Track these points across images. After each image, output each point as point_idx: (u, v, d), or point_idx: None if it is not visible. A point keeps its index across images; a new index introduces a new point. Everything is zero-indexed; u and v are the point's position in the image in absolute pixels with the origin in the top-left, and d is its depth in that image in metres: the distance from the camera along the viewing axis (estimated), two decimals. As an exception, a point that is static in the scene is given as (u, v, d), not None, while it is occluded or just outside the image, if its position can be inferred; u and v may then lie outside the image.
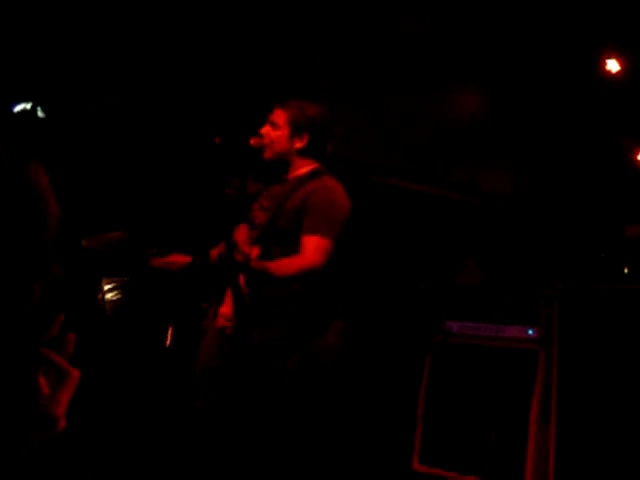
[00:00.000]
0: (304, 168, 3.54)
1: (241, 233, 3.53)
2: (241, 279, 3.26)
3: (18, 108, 4.15)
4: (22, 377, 1.16)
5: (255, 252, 3.46)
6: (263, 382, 3.37)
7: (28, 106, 4.15)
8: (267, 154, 3.52)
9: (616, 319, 4.13)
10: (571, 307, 4.31)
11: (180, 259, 3.53)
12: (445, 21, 5.89)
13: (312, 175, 3.50)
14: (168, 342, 3.61)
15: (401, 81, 5.93)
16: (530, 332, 4.40)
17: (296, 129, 3.49)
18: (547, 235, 5.81)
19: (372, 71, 5.84)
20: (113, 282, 3.98)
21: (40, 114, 4.16)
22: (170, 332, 3.59)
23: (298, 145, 3.51)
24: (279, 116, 3.52)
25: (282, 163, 3.55)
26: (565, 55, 5.87)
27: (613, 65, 5.80)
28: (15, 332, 1.14)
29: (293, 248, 3.36)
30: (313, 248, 3.32)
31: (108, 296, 3.96)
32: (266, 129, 3.52)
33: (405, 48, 5.87)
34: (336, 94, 5.48)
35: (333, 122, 3.60)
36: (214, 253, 3.43)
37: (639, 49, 5.76)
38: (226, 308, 3.44)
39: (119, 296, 3.97)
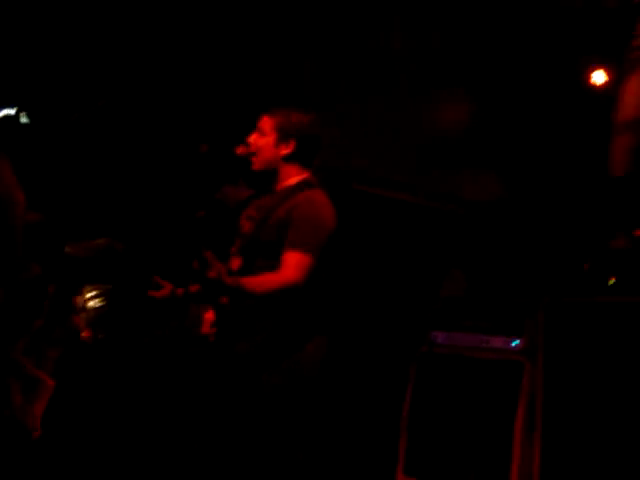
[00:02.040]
0: (293, 178, 3.50)
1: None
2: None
3: (1, 114, 4.11)
4: None
5: (236, 264, 3.43)
6: (242, 393, 3.35)
7: (12, 112, 4.11)
8: (255, 164, 3.49)
9: (601, 331, 4.12)
10: (556, 318, 4.30)
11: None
12: (431, 30, 5.90)
13: (300, 187, 3.46)
14: (152, 347, 3.58)
15: (386, 89, 5.93)
16: (515, 343, 4.38)
17: (283, 135, 3.46)
18: (532, 246, 5.81)
19: (358, 79, 5.84)
20: (96, 289, 3.94)
21: (24, 120, 4.13)
22: (153, 337, 3.56)
23: (285, 151, 3.47)
24: (266, 123, 3.50)
25: (271, 172, 3.52)
26: (551, 65, 5.89)
27: (599, 77, 5.81)
28: None
29: (276, 261, 3.33)
30: (293, 264, 3.28)
31: (91, 303, 3.93)
32: (253, 137, 3.50)
33: (391, 56, 5.88)
34: (322, 102, 5.47)
35: (322, 131, 3.57)
36: (194, 287, 3.40)
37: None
38: (210, 314, 3.42)
39: (102, 303, 3.94)
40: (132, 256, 3.59)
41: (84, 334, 3.70)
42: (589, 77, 5.88)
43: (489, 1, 5.73)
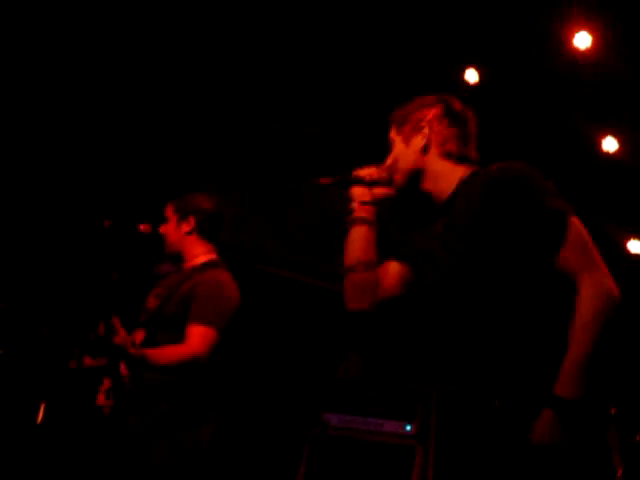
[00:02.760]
0: (200, 258, 3.62)
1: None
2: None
3: None
4: None
5: (139, 337, 3.42)
6: (132, 467, 3.28)
7: None
8: (166, 248, 3.65)
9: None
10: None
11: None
12: (333, 114, 6.04)
13: (205, 266, 3.55)
14: (40, 419, 3.47)
15: (292, 171, 6.02)
16: (408, 428, 4.42)
17: (182, 214, 3.64)
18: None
19: (263, 161, 5.93)
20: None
21: None
22: (42, 408, 3.46)
23: (186, 229, 3.63)
24: (168, 210, 3.69)
25: (180, 252, 3.62)
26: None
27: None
28: None
29: (178, 336, 3.34)
30: (198, 337, 3.32)
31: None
32: (162, 226, 3.62)
33: (293, 139, 5.99)
34: (224, 182, 5.53)
35: (221, 206, 3.70)
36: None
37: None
38: (106, 385, 3.37)
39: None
40: (25, 322, 3.51)
41: None
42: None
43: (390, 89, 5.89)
